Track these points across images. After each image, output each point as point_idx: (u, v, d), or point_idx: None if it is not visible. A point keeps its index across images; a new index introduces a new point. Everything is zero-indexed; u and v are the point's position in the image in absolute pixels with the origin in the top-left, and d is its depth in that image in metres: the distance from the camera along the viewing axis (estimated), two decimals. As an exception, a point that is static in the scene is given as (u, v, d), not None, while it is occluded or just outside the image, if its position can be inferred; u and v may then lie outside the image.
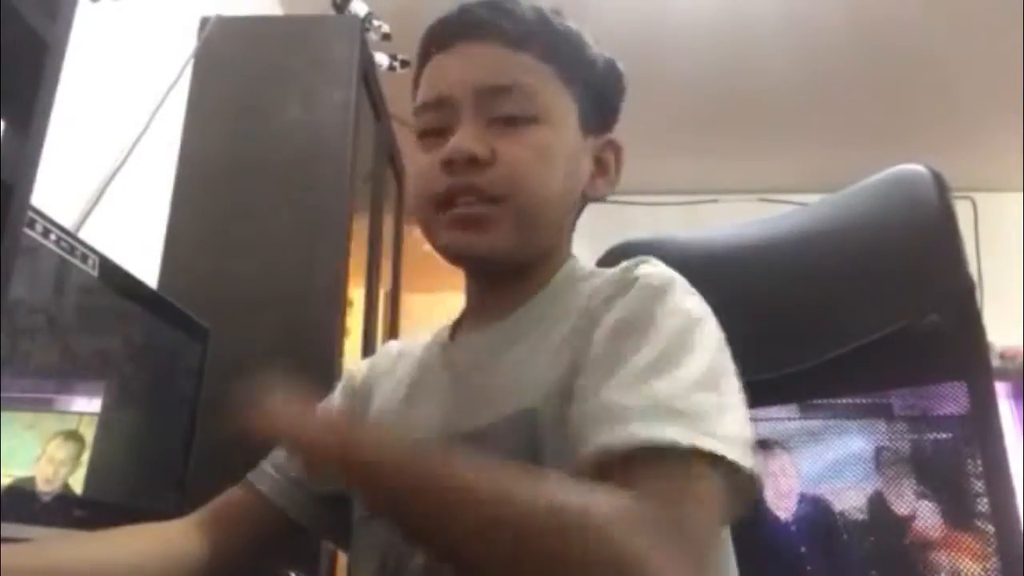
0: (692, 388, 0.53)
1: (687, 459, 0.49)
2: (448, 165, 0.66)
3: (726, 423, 0.52)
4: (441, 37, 0.71)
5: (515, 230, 0.66)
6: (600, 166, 0.74)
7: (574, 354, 0.61)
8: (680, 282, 0.62)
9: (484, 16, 0.69)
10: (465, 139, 0.66)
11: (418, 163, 0.70)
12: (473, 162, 0.65)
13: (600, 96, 0.73)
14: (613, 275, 0.65)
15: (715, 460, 0.49)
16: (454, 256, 0.69)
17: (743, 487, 0.51)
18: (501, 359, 0.67)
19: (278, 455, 0.76)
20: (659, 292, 0.59)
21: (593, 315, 0.62)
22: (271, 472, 0.75)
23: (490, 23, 0.69)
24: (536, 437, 0.60)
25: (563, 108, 0.70)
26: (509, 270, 0.70)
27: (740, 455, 0.50)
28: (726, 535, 0.66)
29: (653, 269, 0.63)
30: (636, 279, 0.61)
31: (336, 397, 0.80)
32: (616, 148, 0.75)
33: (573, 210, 0.73)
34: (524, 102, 0.67)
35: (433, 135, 0.70)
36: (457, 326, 0.77)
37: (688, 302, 0.60)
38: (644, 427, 0.50)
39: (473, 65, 0.69)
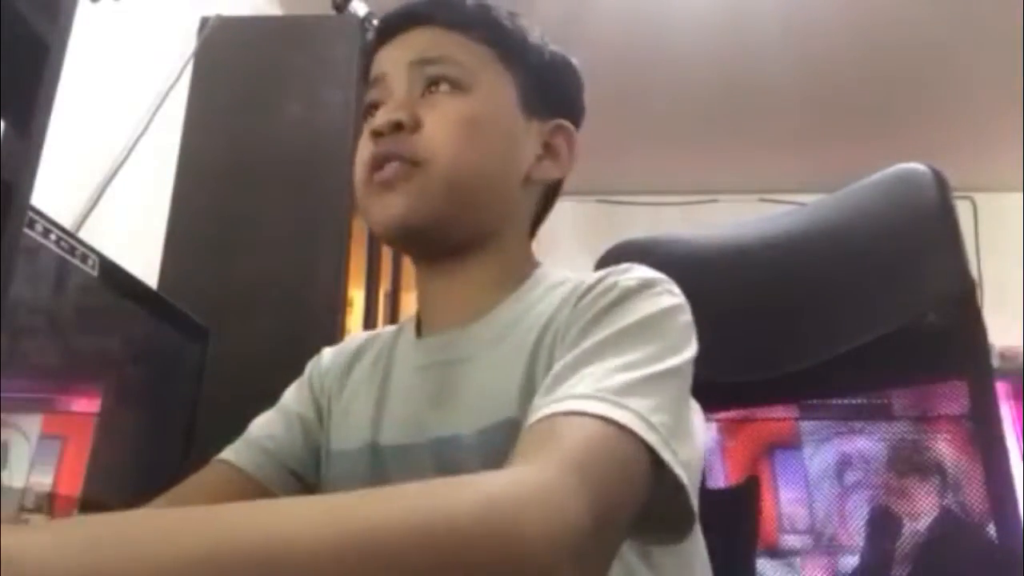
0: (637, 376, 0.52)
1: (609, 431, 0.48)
2: (376, 136, 0.67)
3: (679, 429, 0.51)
4: (384, 33, 0.73)
5: (436, 196, 0.66)
6: (549, 150, 0.74)
7: (548, 359, 0.61)
8: (661, 280, 0.62)
9: (423, 8, 0.72)
10: (390, 107, 0.68)
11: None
12: (398, 128, 0.66)
13: (545, 81, 0.74)
14: (591, 280, 0.64)
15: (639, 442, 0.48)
16: (380, 225, 0.68)
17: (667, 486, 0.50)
18: (474, 363, 0.66)
19: (253, 429, 0.75)
20: (634, 290, 0.60)
21: (568, 320, 0.61)
22: (238, 445, 0.73)
23: (428, 13, 0.71)
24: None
25: (498, 85, 0.71)
26: (445, 247, 0.69)
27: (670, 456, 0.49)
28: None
29: (635, 272, 0.63)
30: (616, 283, 0.61)
31: (304, 382, 0.79)
32: (567, 133, 0.75)
33: (519, 192, 0.72)
34: (451, 68, 0.69)
35: (370, 114, 0.71)
36: (420, 323, 0.74)
37: (664, 299, 0.60)
38: (575, 401, 0.49)
39: (407, 46, 0.71)
